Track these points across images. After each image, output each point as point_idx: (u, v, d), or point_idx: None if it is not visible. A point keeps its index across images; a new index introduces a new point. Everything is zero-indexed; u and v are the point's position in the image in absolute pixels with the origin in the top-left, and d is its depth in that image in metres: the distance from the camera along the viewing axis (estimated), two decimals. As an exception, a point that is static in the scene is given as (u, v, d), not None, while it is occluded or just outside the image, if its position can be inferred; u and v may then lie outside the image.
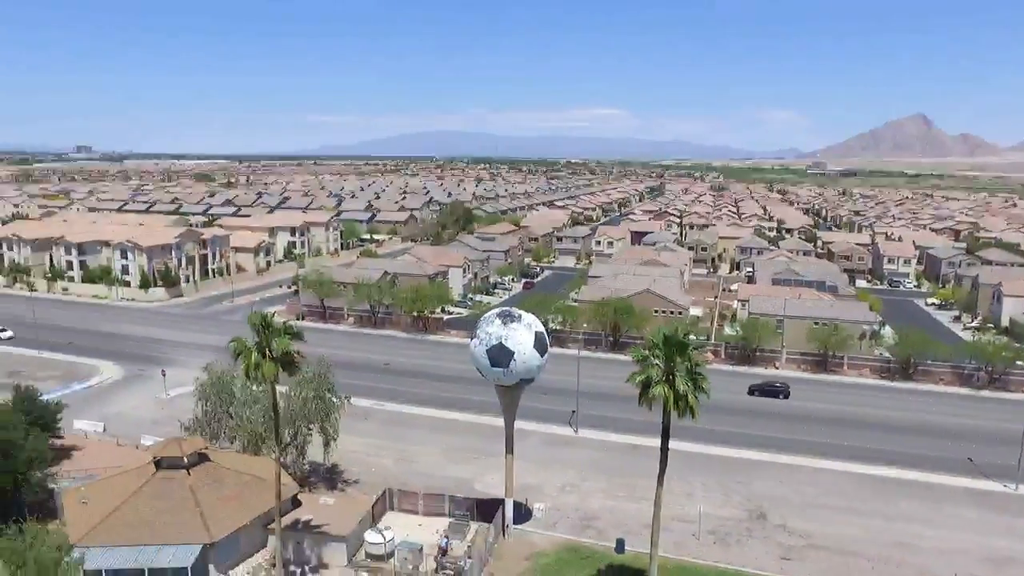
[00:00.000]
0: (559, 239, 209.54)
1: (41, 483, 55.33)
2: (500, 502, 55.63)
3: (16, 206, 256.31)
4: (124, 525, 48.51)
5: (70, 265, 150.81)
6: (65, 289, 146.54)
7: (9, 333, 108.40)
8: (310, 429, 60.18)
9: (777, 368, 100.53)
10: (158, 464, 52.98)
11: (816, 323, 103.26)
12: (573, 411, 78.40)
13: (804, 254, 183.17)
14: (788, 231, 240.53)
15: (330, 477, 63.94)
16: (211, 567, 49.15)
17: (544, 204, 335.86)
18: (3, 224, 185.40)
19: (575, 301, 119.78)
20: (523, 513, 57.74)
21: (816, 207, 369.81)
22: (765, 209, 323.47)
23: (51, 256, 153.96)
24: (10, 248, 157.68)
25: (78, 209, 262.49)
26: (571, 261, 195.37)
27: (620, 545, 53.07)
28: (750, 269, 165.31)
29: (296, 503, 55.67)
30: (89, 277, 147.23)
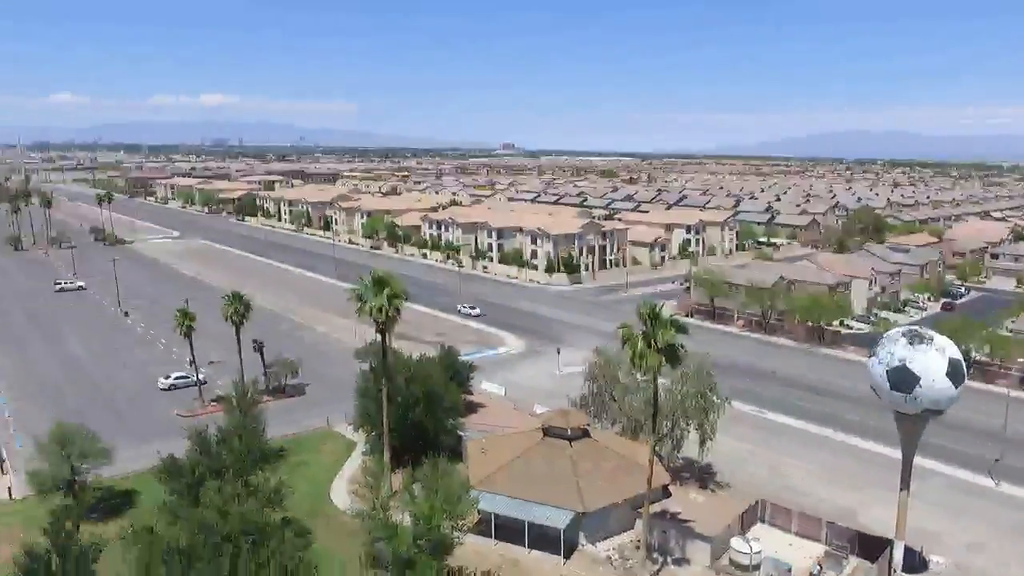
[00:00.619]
0: (994, 256, 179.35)
1: (453, 429, 64.37)
2: (888, 543, 49.61)
3: (454, 194, 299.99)
4: (512, 479, 53.90)
5: (490, 247, 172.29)
6: (485, 267, 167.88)
7: (478, 311, 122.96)
8: (687, 424, 60.19)
9: None
10: (545, 431, 57.76)
11: None
12: (996, 459, 66.60)
13: None
14: None
15: (701, 475, 63.30)
16: (581, 534, 52.19)
17: (977, 214, 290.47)
18: (443, 209, 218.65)
19: (1010, 331, 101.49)
20: (917, 562, 50.69)
21: None
22: None
23: (476, 238, 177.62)
24: (446, 229, 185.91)
25: (500, 199, 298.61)
26: (1009, 283, 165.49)
27: (1043, 628, 43.70)
28: None
29: (666, 494, 56.38)
30: (504, 258, 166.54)
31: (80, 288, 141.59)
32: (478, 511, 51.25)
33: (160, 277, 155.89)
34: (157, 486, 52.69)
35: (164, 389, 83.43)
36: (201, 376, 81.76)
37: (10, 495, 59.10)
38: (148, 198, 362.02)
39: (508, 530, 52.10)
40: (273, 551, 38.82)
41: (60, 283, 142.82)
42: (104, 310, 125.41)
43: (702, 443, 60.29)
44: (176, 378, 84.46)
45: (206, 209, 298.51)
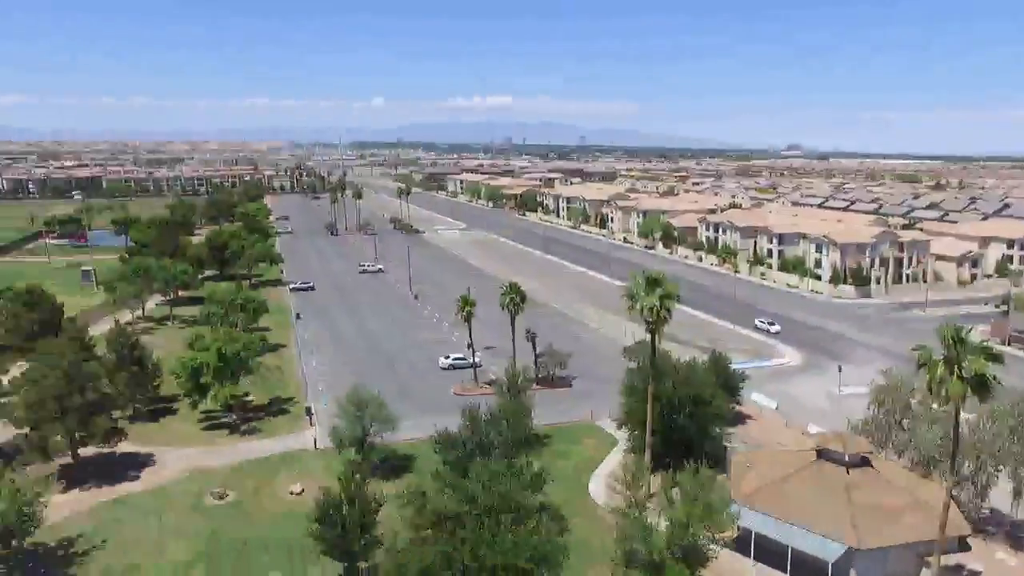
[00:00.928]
0: None
1: (719, 438, 62.00)
2: None
3: (733, 196, 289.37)
4: (779, 499, 50.34)
5: (769, 253, 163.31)
6: (762, 274, 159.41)
7: (776, 327, 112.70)
8: (998, 470, 51.87)
9: None
10: (820, 453, 53.21)
11: None
12: None
13: None
14: None
15: (1015, 534, 54.19)
16: (852, 572, 47.30)
17: None
18: (721, 211, 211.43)
19: None
20: None
21: None
22: None
23: (755, 243, 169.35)
24: (723, 232, 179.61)
25: (782, 203, 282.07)
26: None
27: None
28: None
29: (964, 546, 49.15)
30: (784, 266, 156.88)
31: (379, 271, 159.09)
32: (738, 527, 48.80)
33: (446, 264, 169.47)
34: (432, 455, 57.18)
35: (444, 368, 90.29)
36: (477, 359, 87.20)
37: (315, 445, 67.74)
38: (440, 192, 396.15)
39: (768, 552, 48.82)
40: (530, 531, 40.07)
41: (363, 265, 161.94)
42: (397, 291, 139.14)
43: (1017, 495, 51.70)
44: (455, 359, 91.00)
45: (490, 204, 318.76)
